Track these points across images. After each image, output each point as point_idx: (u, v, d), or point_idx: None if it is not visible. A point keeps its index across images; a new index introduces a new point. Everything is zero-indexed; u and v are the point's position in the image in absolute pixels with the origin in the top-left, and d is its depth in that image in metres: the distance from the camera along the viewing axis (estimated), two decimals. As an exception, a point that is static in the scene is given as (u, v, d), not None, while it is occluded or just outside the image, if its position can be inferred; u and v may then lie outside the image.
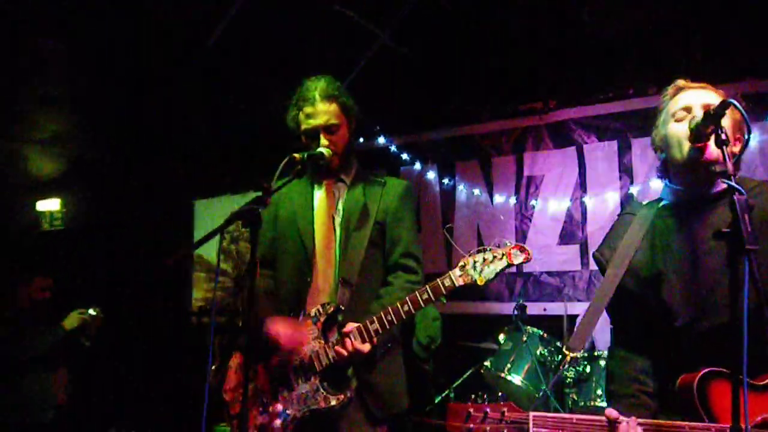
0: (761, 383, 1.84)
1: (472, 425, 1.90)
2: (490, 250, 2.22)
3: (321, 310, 2.44)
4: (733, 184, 1.64)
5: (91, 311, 4.48)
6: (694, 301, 1.95)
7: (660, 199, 2.17)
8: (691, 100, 2.03)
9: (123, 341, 6.51)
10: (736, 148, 2.00)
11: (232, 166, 6.64)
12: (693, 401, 1.81)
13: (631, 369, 2.05)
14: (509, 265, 2.18)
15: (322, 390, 2.35)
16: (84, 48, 5.10)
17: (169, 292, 7.08)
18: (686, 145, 1.97)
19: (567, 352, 1.99)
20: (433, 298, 2.27)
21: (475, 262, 2.22)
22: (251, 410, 2.45)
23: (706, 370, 1.82)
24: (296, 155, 2.37)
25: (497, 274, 2.20)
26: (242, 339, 2.64)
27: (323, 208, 2.62)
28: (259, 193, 2.09)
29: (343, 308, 2.44)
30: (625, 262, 2.05)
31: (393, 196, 2.62)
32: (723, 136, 1.74)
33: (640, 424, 1.80)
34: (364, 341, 2.32)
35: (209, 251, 7.21)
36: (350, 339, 2.32)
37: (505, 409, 1.90)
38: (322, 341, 2.40)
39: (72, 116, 6.31)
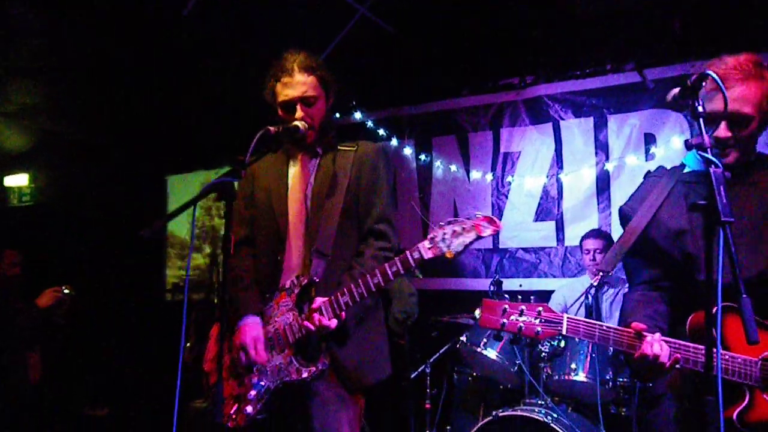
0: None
1: (505, 319, 1.97)
2: (459, 222, 2.19)
3: (295, 281, 2.42)
4: (709, 156, 1.67)
5: (65, 289, 4.42)
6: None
7: (683, 165, 2.26)
8: (719, 105, 1.96)
9: (96, 318, 6.45)
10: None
11: (207, 140, 6.55)
12: (708, 332, 1.86)
13: (647, 309, 2.14)
14: (478, 237, 2.17)
15: (294, 362, 2.35)
16: (54, 19, 4.95)
17: (142, 269, 7.01)
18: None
19: (600, 272, 2.10)
20: (402, 271, 2.25)
21: (444, 234, 2.20)
22: (228, 381, 2.44)
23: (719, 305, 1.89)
24: (271, 128, 2.33)
25: (466, 247, 2.18)
26: (219, 311, 2.62)
27: (297, 183, 2.58)
28: (234, 166, 2.06)
29: (317, 280, 2.42)
30: (650, 213, 2.14)
31: (365, 161, 2.58)
32: (700, 108, 1.75)
33: (664, 340, 1.92)
34: (333, 315, 2.31)
35: (181, 229, 7.15)
36: (318, 314, 2.30)
37: (541, 308, 1.98)
38: (296, 312, 2.39)
39: (41, 89, 6.16)
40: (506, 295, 4.17)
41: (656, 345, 1.91)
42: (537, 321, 1.97)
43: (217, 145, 6.25)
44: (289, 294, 2.42)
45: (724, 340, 1.90)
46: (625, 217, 2.27)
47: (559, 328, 1.97)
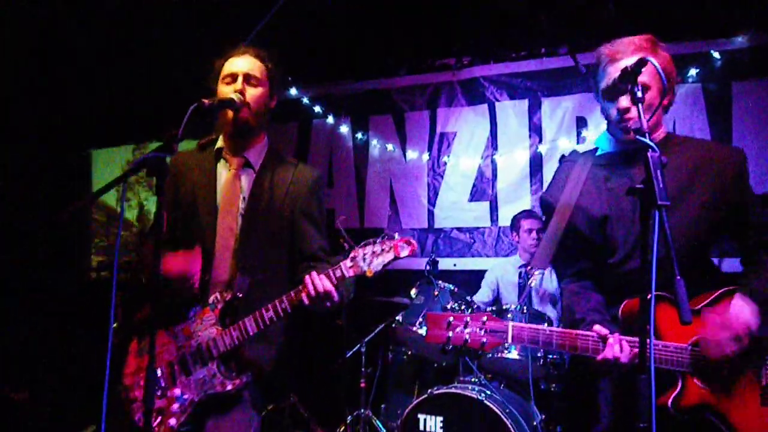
0: (694, 308, 1.97)
1: (451, 332, 2.01)
2: (379, 242, 2.26)
3: (218, 297, 2.42)
4: (647, 141, 1.69)
5: None
6: (628, 242, 2.10)
7: (596, 149, 2.33)
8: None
9: (16, 299, 6.16)
10: (665, 99, 2.13)
11: (135, 112, 6.27)
12: (640, 322, 1.88)
13: (589, 301, 2.17)
14: (396, 258, 2.22)
15: (219, 374, 2.36)
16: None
17: (66, 248, 6.70)
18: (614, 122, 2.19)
19: (533, 269, 2.15)
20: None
21: (364, 254, 2.24)
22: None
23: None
24: (205, 101, 2.24)
25: (384, 266, 2.23)
26: (138, 319, 2.55)
27: (226, 197, 2.51)
28: (166, 141, 1.97)
29: (240, 296, 2.41)
30: (572, 201, 2.19)
31: (302, 186, 2.56)
32: (639, 94, 1.77)
33: (624, 340, 1.94)
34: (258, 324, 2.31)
35: (109, 199, 6.87)
36: (315, 282, 2.25)
37: (485, 318, 2.01)
38: (220, 327, 2.39)
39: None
40: (439, 283, 4.17)
41: (617, 347, 1.92)
42: (482, 332, 2.00)
43: (147, 117, 6.01)
44: (212, 309, 2.42)
45: (657, 329, 1.93)
46: (547, 206, 2.29)
47: (505, 336, 1.99)
